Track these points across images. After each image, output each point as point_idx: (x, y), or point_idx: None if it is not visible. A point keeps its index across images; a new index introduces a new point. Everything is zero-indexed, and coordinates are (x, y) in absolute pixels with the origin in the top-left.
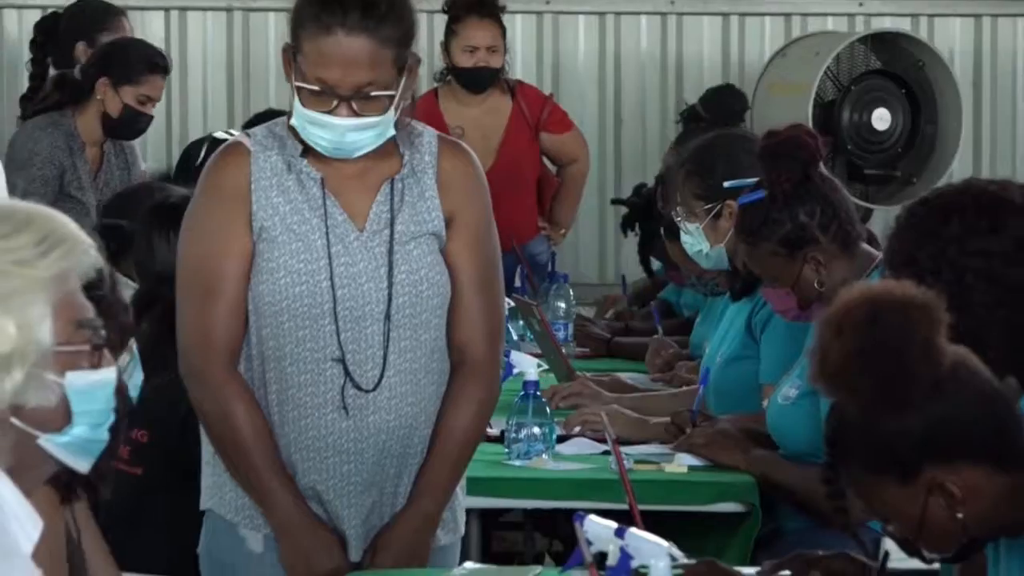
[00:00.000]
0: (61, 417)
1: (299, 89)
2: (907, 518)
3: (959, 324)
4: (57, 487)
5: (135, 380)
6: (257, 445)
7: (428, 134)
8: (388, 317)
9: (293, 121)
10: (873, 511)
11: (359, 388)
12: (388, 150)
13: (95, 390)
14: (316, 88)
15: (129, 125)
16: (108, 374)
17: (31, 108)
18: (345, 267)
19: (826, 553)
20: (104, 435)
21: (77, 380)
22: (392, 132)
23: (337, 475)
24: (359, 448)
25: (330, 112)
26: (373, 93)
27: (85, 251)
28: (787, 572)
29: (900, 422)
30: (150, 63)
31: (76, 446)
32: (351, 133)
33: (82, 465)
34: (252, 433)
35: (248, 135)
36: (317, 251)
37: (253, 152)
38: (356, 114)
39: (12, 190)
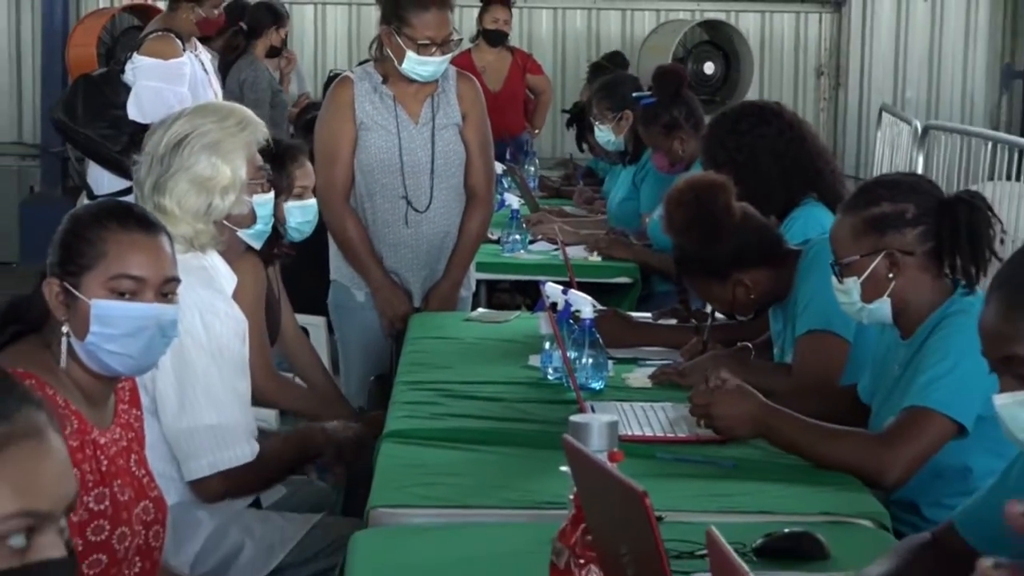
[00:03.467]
0: (250, 220)
1: (411, 45)
2: (724, 301)
3: (749, 188)
4: (261, 257)
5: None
6: (360, 244)
7: (451, 69)
8: (433, 171)
9: (404, 65)
10: (704, 298)
11: (416, 211)
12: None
13: (266, 204)
14: (426, 42)
15: (282, 49)
16: (271, 196)
17: (232, 55)
18: (407, 143)
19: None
20: (269, 229)
21: (258, 199)
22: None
23: (405, 260)
24: (418, 244)
25: (431, 55)
26: (453, 38)
27: (260, 129)
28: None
29: (715, 250)
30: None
31: (255, 235)
32: (440, 65)
33: (256, 244)
34: (357, 237)
35: (352, 72)
36: (392, 135)
37: (355, 81)
38: (443, 54)
39: (236, 97)
